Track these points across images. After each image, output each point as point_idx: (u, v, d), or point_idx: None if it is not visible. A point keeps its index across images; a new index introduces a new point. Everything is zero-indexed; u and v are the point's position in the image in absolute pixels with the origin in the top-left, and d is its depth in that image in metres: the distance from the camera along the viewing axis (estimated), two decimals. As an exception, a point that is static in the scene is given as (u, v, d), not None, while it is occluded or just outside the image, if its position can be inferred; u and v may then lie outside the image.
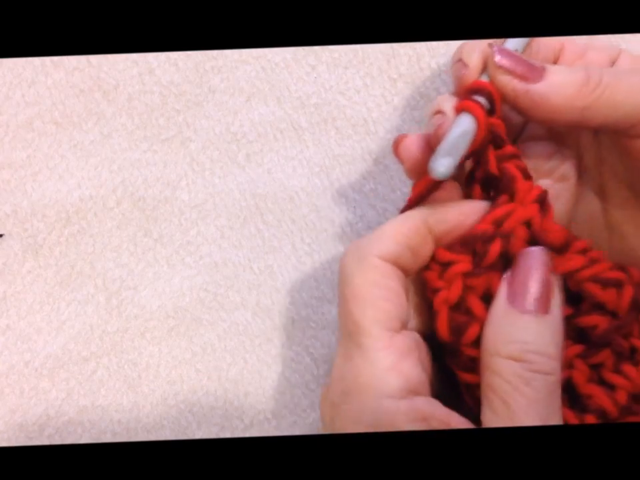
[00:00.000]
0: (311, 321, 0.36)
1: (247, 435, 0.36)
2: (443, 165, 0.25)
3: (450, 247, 0.27)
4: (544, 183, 0.30)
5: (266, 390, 0.36)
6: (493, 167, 0.27)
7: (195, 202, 0.37)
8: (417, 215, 0.27)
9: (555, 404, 0.25)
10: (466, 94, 0.28)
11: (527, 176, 0.28)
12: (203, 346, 0.36)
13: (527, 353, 0.24)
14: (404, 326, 0.27)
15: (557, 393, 0.25)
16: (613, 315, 0.27)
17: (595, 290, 0.26)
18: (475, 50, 0.28)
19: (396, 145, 0.29)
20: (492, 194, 0.28)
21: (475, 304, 0.26)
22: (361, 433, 0.25)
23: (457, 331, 0.26)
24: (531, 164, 0.30)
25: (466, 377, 0.26)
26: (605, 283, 0.26)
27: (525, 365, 0.24)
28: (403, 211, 0.28)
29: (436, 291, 0.27)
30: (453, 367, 0.27)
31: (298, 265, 0.36)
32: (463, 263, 0.26)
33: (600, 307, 0.27)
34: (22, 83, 0.37)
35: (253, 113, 0.37)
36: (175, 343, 0.36)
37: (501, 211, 0.27)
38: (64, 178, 0.37)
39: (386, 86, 0.37)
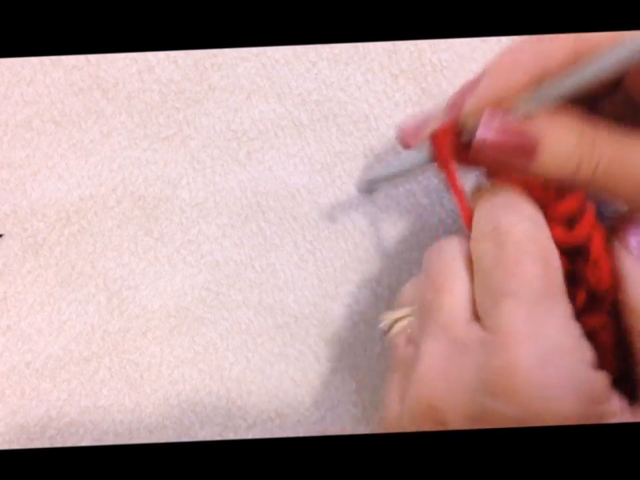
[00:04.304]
0: (314, 318, 0.36)
1: (250, 434, 0.35)
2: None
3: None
4: None
5: (269, 389, 0.36)
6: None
7: (195, 200, 0.37)
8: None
9: None
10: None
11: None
12: (205, 345, 0.36)
13: None
14: None
15: None
16: None
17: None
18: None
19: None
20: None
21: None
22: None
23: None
24: None
25: (607, 338, 0.27)
26: None
27: None
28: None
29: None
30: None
31: (300, 262, 0.36)
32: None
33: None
34: (20, 81, 0.37)
35: (253, 111, 0.37)
36: (177, 342, 0.36)
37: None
38: (64, 177, 0.37)
39: (387, 82, 0.36)
